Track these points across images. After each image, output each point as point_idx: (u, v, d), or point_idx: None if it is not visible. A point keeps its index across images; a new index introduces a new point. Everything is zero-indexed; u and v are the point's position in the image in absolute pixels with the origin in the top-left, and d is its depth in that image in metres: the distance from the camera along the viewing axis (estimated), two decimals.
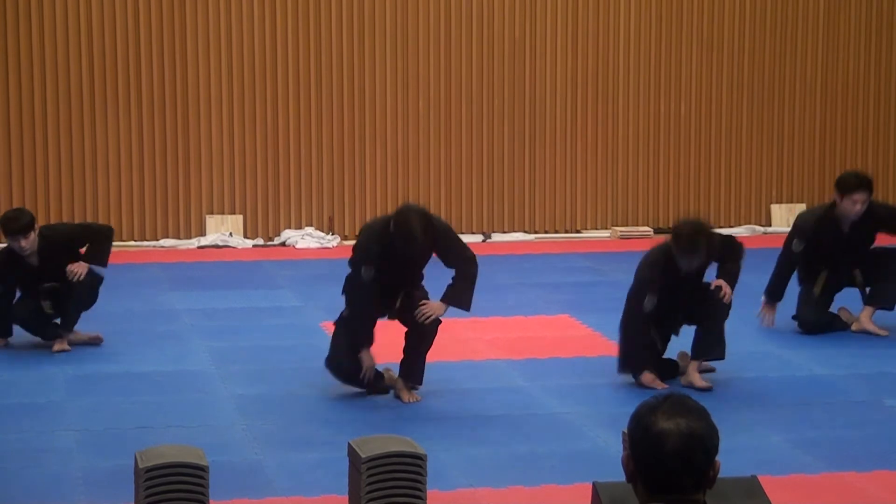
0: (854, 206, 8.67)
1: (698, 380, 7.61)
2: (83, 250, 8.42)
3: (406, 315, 7.42)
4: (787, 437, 6.81)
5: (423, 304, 7.31)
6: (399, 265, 7.28)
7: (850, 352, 8.47)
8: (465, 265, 7.34)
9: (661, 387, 7.47)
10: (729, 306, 7.64)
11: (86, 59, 11.88)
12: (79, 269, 8.27)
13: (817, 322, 8.82)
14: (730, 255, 7.71)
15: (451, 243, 7.36)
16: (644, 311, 7.48)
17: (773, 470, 6.06)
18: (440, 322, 7.41)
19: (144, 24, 12.02)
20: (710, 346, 7.64)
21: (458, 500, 5.91)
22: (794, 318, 8.93)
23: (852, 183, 8.73)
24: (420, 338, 7.43)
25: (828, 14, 12.98)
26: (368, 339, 7.35)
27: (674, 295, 7.54)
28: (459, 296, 7.32)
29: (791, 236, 8.89)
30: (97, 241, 8.46)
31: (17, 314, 8.41)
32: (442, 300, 7.34)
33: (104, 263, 8.46)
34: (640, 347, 7.59)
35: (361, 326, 7.34)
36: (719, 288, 7.56)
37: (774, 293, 8.84)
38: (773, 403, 7.40)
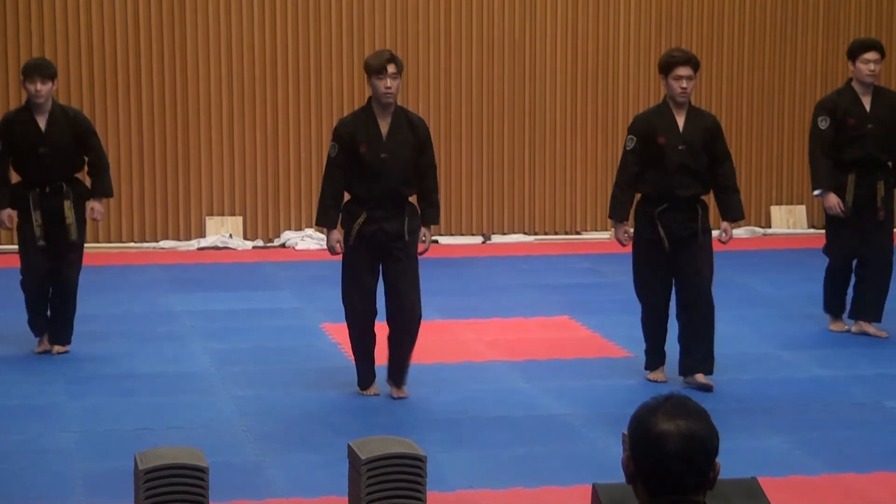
0: (867, 65, 8.67)
1: (701, 377, 7.63)
2: (88, 183, 8.37)
3: (391, 281, 7.45)
4: (786, 438, 6.81)
5: (422, 245, 7.50)
6: (389, 147, 7.35)
7: (849, 353, 8.47)
8: (434, 176, 7.54)
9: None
10: (712, 309, 7.65)
11: (85, 60, 11.88)
12: (99, 208, 8.27)
13: (849, 253, 8.74)
14: (728, 173, 7.72)
15: (430, 143, 7.54)
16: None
17: (772, 471, 6.07)
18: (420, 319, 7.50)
19: (144, 26, 12.02)
20: (702, 360, 7.66)
21: (458, 501, 5.91)
22: (824, 252, 8.88)
23: (862, 44, 8.82)
24: (403, 338, 7.46)
25: (828, 13, 12.98)
26: (333, 214, 7.44)
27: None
28: (435, 214, 7.56)
29: (815, 117, 8.83)
30: (100, 167, 8.36)
31: (21, 243, 8.30)
32: (424, 225, 7.50)
33: (112, 193, 8.50)
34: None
35: (324, 202, 7.47)
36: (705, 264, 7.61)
37: (822, 181, 8.68)
38: (773, 404, 7.40)
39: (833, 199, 8.62)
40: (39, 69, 8.16)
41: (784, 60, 12.98)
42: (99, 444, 6.70)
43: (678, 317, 7.72)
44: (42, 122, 8.17)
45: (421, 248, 7.50)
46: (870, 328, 8.82)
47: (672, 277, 7.68)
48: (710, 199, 7.74)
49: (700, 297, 7.62)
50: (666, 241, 7.53)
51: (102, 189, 8.37)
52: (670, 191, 7.55)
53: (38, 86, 8.08)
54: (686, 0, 12.74)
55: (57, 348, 8.37)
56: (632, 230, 7.71)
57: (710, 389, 7.53)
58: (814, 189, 8.78)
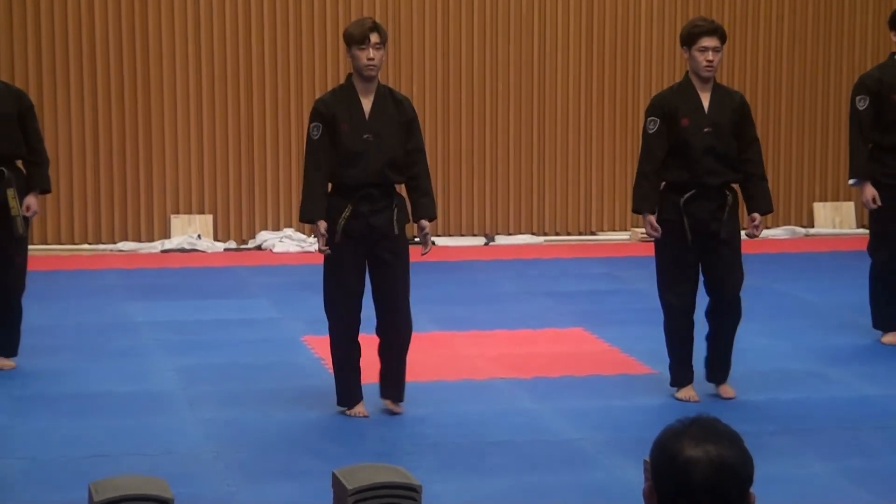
0: None
1: (724, 391, 7.80)
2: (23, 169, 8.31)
3: (379, 288, 7.49)
4: (831, 465, 6.82)
5: (424, 247, 7.51)
6: (372, 127, 7.38)
7: None
8: (423, 161, 7.57)
9: (694, 400, 7.69)
10: (739, 315, 7.77)
11: (32, 35, 11.89)
12: (33, 203, 8.18)
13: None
14: (755, 158, 7.77)
15: (417, 125, 7.59)
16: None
17: (816, 502, 6.06)
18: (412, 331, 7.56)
19: (101, 9, 12.05)
20: (719, 367, 7.86)
21: None
22: (869, 251, 8.95)
23: None
24: (399, 350, 7.52)
25: None
26: (319, 203, 7.38)
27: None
28: (431, 206, 7.53)
29: (853, 96, 8.87)
30: (39, 157, 8.30)
31: None
32: (423, 219, 7.48)
33: (50, 188, 8.44)
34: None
35: (309, 190, 7.42)
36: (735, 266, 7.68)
37: (858, 169, 8.75)
38: (816, 427, 7.41)
39: (869, 192, 8.67)
40: None
41: (829, 36, 13.02)
42: (48, 472, 6.69)
43: (708, 316, 7.86)
44: None
45: (422, 249, 7.48)
46: None
47: (697, 278, 7.72)
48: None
49: (731, 301, 7.73)
50: (689, 234, 7.56)
51: (41, 181, 8.29)
52: (697, 178, 7.58)
53: None
54: None
55: (1, 362, 8.36)
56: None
57: (733, 397, 7.78)
58: (849, 178, 8.80)
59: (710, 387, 7.93)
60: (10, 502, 6.34)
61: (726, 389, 7.87)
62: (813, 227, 13.13)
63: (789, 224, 12.96)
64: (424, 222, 7.49)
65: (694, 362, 7.88)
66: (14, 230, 8.16)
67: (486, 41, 12.58)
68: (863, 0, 13.02)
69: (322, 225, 7.34)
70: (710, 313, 7.84)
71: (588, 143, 12.81)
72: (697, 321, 7.87)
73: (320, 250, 7.38)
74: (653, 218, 7.63)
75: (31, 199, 8.22)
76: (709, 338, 7.88)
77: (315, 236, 7.49)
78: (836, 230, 13.10)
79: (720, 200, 7.64)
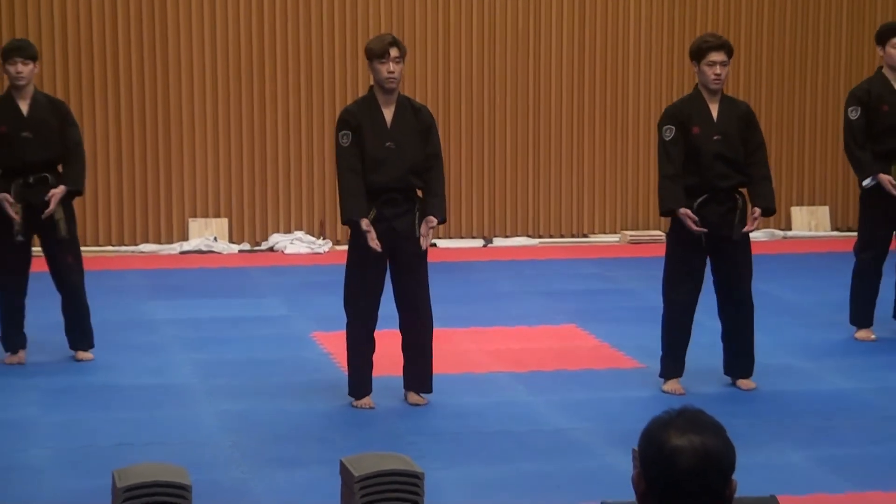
0: None
1: (744, 383, 7.89)
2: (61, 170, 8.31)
3: (401, 289, 7.50)
4: (808, 454, 6.82)
5: (423, 239, 7.42)
6: (394, 135, 7.38)
7: (876, 363, 8.49)
8: (439, 166, 7.55)
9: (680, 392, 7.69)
10: (752, 309, 7.81)
11: (60, 51, 11.89)
12: (58, 191, 8.12)
13: (885, 239, 8.81)
14: (761, 161, 7.78)
15: (435, 131, 7.58)
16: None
17: (793, 489, 6.07)
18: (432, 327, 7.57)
19: (123, 19, 12.04)
20: (741, 362, 7.92)
21: None
22: (855, 250, 8.94)
23: (892, 27, 8.86)
24: (424, 345, 7.54)
25: (851, 9, 13.00)
26: (362, 203, 7.34)
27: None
28: (441, 208, 7.50)
29: (846, 108, 8.87)
30: (77, 158, 8.31)
31: None
32: (431, 216, 7.44)
33: (82, 187, 8.38)
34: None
35: (351, 193, 7.36)
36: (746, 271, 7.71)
37: (867, 168, 8.71)
38: (794, 418, 7.41)
39: (887, 180, 8.64)
40: (20, 50, 8.22)
41: (805, 50, 13.01)
42: (74, 460, 6.70)
43: (721, 318, 7.88)
44: (24, 107, 8.21)
45: (423, 244, 7.48)
46: None
47: (702, 279, 7.74)
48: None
49: (743, 300, 7.78)
50: (703, 236, 7.59)
51: (73, 180, 8.26)
52: (709, 182, 7.61)
53: (20, 67, 8.15)
54: None
55: (80, 355, 8.43)
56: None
57: (753, 389, 7.83)
58: (862, 180, 8.76)
59: (695, 380, 7.92)
60: (40, 488, 6.36)
61: (748, 382, 7.86)
62: (791, 229, 13.12)
63: (768, 227, 12.96)
64: (433, 218, 7.45)
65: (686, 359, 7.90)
66: (57, 232, 8.20)
67: (483, 56, 12.58)
68: (837, 19, 13.01)
69: (365, 223, 7.32)
70: (722, 313, 7.86)
71: (580, 152, 12.80)
72: (699, 322, 7.89)
73: (371, 245, 7.27)
74: (687, 210, 7.59)
75: (55, 190, 8.18)
76: (724, 337, 7.91)
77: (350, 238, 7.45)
78: (812, 233, 13.09)
79: (731, 203, 7.70)
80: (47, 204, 8.12)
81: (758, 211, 7.73)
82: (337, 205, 12.25)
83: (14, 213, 8.08)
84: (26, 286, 8.34)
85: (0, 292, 8.33)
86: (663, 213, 7.79)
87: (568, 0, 12.63)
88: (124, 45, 12.09)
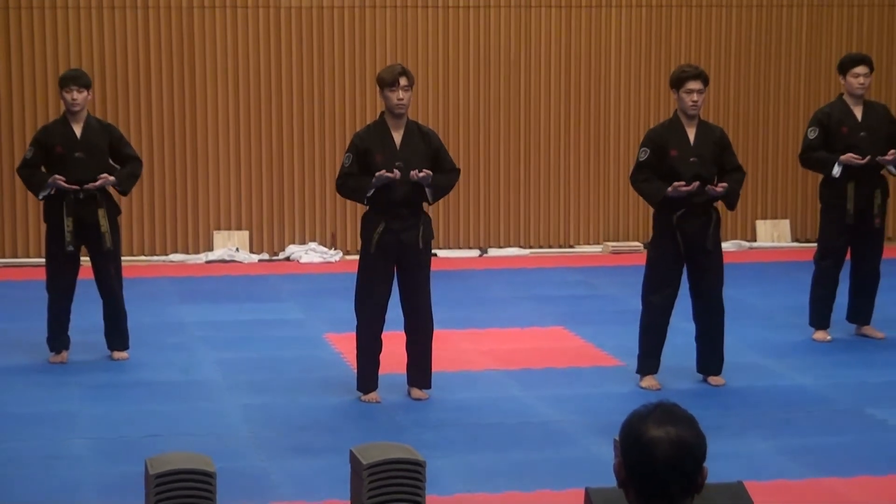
0: (857, 79, 8.74)
1: (714, 379, 7.92)
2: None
3: (406, 294, 7.50)
4: (772, 444, 6.82)
5: (414, 173, 7.34)
6: (403, 156, 7.36)
7: (832, 361, 8.48)
8: (453, 174, 7.59)
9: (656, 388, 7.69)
10: (723, 312, 7.83)
11: (98, 80, 11.89)
12: (108, 178, 8.14)
13: (842, 248, 8.80)
14: (735, 176, 7.78)
15: (445, 151, 7.60)
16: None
17: (758, 475, 6.07)
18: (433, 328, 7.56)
19: (155, 48, 12.05)
20: (713, 360, 7.92)
21: None
22: (815, 259, 8.93)
23: (853, 58, 8.87)
24: (423, 343, 7.54)
25: (810, 34, 13.01)
26: (368, 179, 7.32)
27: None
28: (436, 184, 7.45)
29: (807, 128, 8.88)
30: (132, 165, 8.34)
31: (48, 255, 8.31)
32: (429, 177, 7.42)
33: (127, 190, 8.39)
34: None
35: (356, 184, 7.38)
36: (719, 279, 7.73)
37: (829, 160, 8.65)
38: (759, 412, 7.41)
39: (849, 156, 8.61)
40: (76, 79, 8.25)
41: (768, 80, 13.01)
42: (111, 449, 6.70)
43: (695, 320, 7.87)
44: (78, 130, 8.25)
45: (419, 174, 7.37)
46: (871, 331, 8.92)
47: (678, 284, 7.74)
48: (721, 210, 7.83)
49: (715, 305, 7.79)
50: (682, 245, 7.60)
51: (122, 179, 8.26)
52: (686, 199, 7.61)
53: (75, 94, 8.18)
54: (674, 23, 12.77)
55: (117, 354, 8.44)
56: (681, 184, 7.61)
57: (722, 385, 7.85)
58: (832, 172, 8.69)
59: (670, 377, 7.92)
60: (80, 474, 6.36)
61: (717, 379, 7.88)
62: (756, 241, 13.11)
63: (736, 238, 12.96)
64: (428, 173, 7.36)
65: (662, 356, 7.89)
66: (103, 244, 8.22)
67: (479, 84, 12.58)
68: (797, 51, 13.00)
69: (381, 172, 7.25)
70: (696, 316, 7.85)
71: (567, 170, 12.80)
72: (675, 325, 7.89)
73: (394, 175, 7.25)
74: (674, 185, 7.52)
75: (103, 176, 8.15)
76: (698, 337, 7.91)
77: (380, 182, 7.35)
78: (775, 244, 13.08)
79: (706, 217, 7.69)
80: (96, 218, 8.16)
81: (722, 187, 7.64)
82: (347, 218, 12.33)
83: (60, 183, 8.08)
84: (73, 292, 8.36)
85: (50, 297, 8.35)
86: (659, 202, 7.65)
87: (555, 33, 12.63)
88: (156, 77, 12.09)
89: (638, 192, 7.82)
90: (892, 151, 8.66)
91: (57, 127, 8.33)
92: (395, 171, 7.28)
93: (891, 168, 8.76)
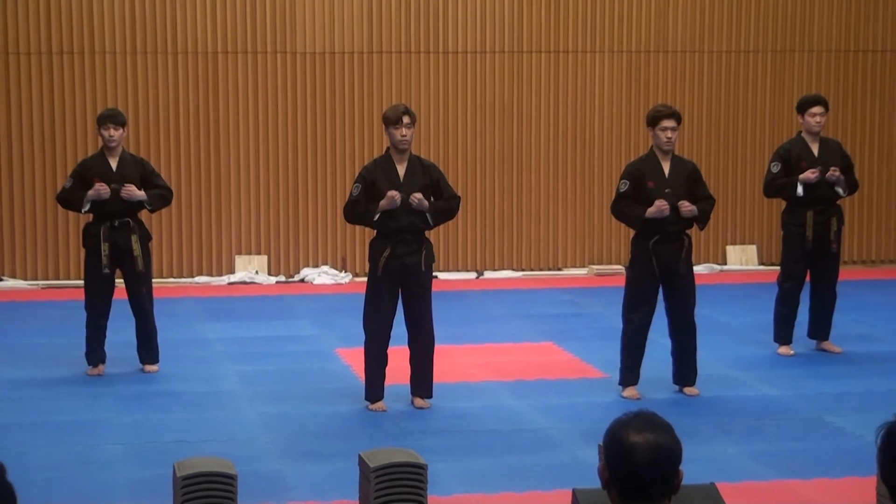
0: (813, 118, 8.75)
1: (689, 389, 7.89)
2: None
3: (410, 312, 7.48)
4: (741, 449, 6.80)
5: (413, 196, 7.35)
6: (406, 188, 7.35)
7: (794, 374, 8.47)
8: (453, 201, 7.56)
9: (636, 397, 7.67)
10: (695, 329, 7.82)
11: (132, 118, 11.91)
12: (132, 190, 8.14)
13: (803, 271, 8.80)
14: (706, 204, 7.77)
15: (445, 181, 7.57)
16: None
17: (728, 477, 6.05)
18: (434, 344, 7.55)
19: (183, 89, 12.08)
20: (687, 372, 7.90)
21: None
22: (778, 281, 8.92)
23: (809, 100, 8.89)
24: (425, 356, 7.52)
25: (773, 83, 13.04)
26: (373, 206, 7.33)
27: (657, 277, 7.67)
28: (436, 210, 7.45)
29: (769, 163, 8.88)
30: (162, 190, 8.35)
31: (87, 277, 8.31)
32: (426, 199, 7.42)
33: (153, 207, 8.35)
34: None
35: (363, 210, 7.37)
36: (691, 298, 7.72)
37: (791, 185, 8.68)
38: (729, 419, 7.40)
39: (808, 174, 8.64)
40: (112, 118, 8.27)
41: (737, 118, 13.04)
42: (141, 454, 6.68)
43: (671, 336, 7.86)
44: (114, 163, 8.27)
45: (416, 199, 7.35)
46: (830, 346, 8.92)
47: (655, 303, 7.74)
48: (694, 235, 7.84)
49: (688, 323, 7.78)
50: (657, 269, 7.59)
51: (152, 198, 8.26)
52: (661, 226, 7.62)
53: (112, 131, 8.19)
54: (651, 68, 12.80)
55: (148, 367, 8.43)
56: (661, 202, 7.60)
57: (696, 395, 7.83)
58: (796, 192, 8.71)
59: (649, 387, 7.90)
60: (113, 477, 6.34)
61: (692, 390, 7.87)
62: (726, 264, 13.12)
63: (708, 262, 12.96)
64: (426, 202, 7.36)
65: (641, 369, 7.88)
66: (136, 267, 8.23)
67: (476, 123, 12.60)
68: (762, 91, 13.02)
69: (389, 194, 7.27)
70: (672, 332, 7.84)
71: (555, 200, 12.81)
72: (653, 340, 7.88)
73: (397, 199, 7.29)
74: (651, 207, 7.53)
75: (133, 190, 8.15)
76: (674, 352, 7.89)
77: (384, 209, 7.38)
78: (744, 267, 13.08)
79: (679, 243, 7.69)
80: (130, 244, 8.18)
81: (692, 207, 7.63)
82: (356, 244, 12.33)
83: (101, 191, 8.10)
84: (109, 310, 8.36)
85: (88, 315, 8.35)
86: (641, 226, 7.62)
87: (545, 76, 12.65)
88: (184, 115, 12.12)
89: (619, 217, 7.81)
90: (833, 168, 8.68)
91: (95, 161, 8.35)
92: (397, 194, 7.28)
93: (839, 189, 8.78)
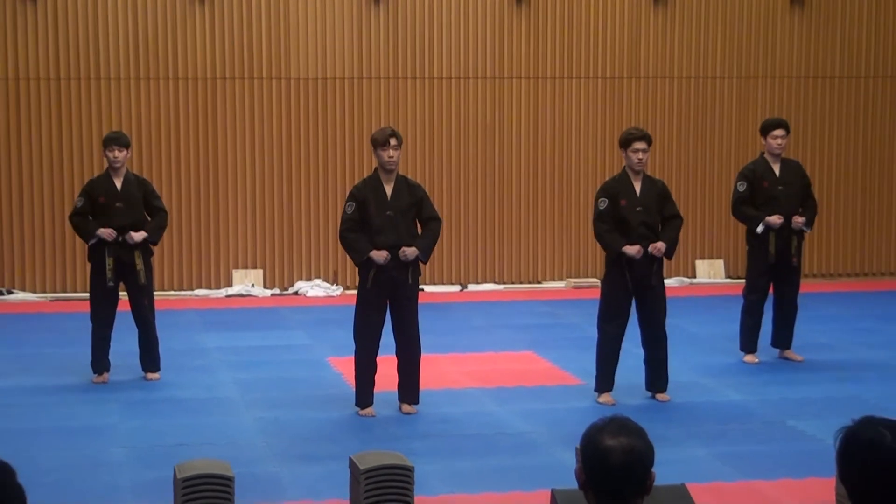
0: (775, 140, 8.79)
1: (661, 396, 7.89)
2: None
3: (397, 323, 7.48)
4: (709, 451, 6.81)
5: (402, 252, 7.37)
6: (393, 206, 7.36)
7: (760, 380, 8.49)
8: (433, 223, 7.53)
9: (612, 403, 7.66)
10: (666, 339, 7.82)
11: (135, 140, 11.90)
12: (138, 236, 8.16)
13: (766, 284, 8.83)
14: (673, 223, 7.78)
15: (428, 201, 7.56)
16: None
17: (698, 478, 6.07)
18: (420, 352, 7.54)
19: (183, 112, 12.08)
20: (659, 379, 7.90)
21: None
22: (744, 293, 8.95)
23: (771, 123, 8.93)
24: (412, 364, 7.51)
25: (738, 107, 13.11)
26: (366, 244, 7.34)
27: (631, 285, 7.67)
28: (425, 248, 7.46)
29: (735, 182, 8.93)
30: (159, 217, 8.33)
31: (92, 290, 8.30)
32: (413, 247, 7.40)
33: (157, 241, 8.36)
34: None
35: (355, 241, 7.36)
36: (662, 307, 7.72)
37: (756, 218, 8.74)
38: (698, 424, 7.41)
39: (774, 218, 8.69)
40: (117, 140, 8.28)
41: (704, 140, 13.10)
42: (144, 457, 6.66)
43: (643, 345, 7.87)
44: (118, 183, 8.27)
45: (408, 252, 7.39)
46: (791, 354, 8.95)
47: (628, 314, 7.75)
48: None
49: (659, 333, 7.80)
50: (630, 282, 7.61)
51: (152, 232, 8.30)
52: (633, 241, 7.62)
53: (116, 153, 8.20)
54: (625, 93, 12.85)
55: (150, 375, 8.40)
56: (629, 248, 7.63)
57: (668, 401, 7.82)
58: (755, 228, 8.79)
59: (623, 394, 7.91)
60: (118, 478, 6.32)
61: (663, 396, 7.88)
62: (695, 277, 13.15)
63: (678, 275, 13.00)
64: (414, 249, 7.38)
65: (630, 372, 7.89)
66: (138, 280, 8.22)
67: (460, 144, 12.63)
68: (728, 115, 13.08)
69: (373, 252, 7.30)
70: (644, 342, 7.85)
71: (535, 217, 12.84)
72: (626, 349, 7.88)
73: (382, 260, 7.31)
74: (627, 247, 7.58)
75: (135, 234, 8.18)
76: (646, 360, 7.90)
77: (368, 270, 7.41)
78: (712, 280, 13.12)
79: (651, 258, 7.70)
80: (133, 258, 8.18)
81: (662, 244, 7.71)
82: (347, 259, 12.31)
83: (108, 235, 8.13)
84: (113, 321, 8.34)
85: (93, 326, 8.33)
86: (614, 255, 7.66)
87: (525, 100, 12.69)
88: (185, 137, 12.12)
89: (598, 239, 7.81)
90: (797, 219, 8.73)
91: (101, 180, 8.35)
92: (386, 254, 7.30)
93: (804, 229, 8.84)
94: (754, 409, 7.77)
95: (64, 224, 11.37)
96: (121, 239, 8.19)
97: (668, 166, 12.88)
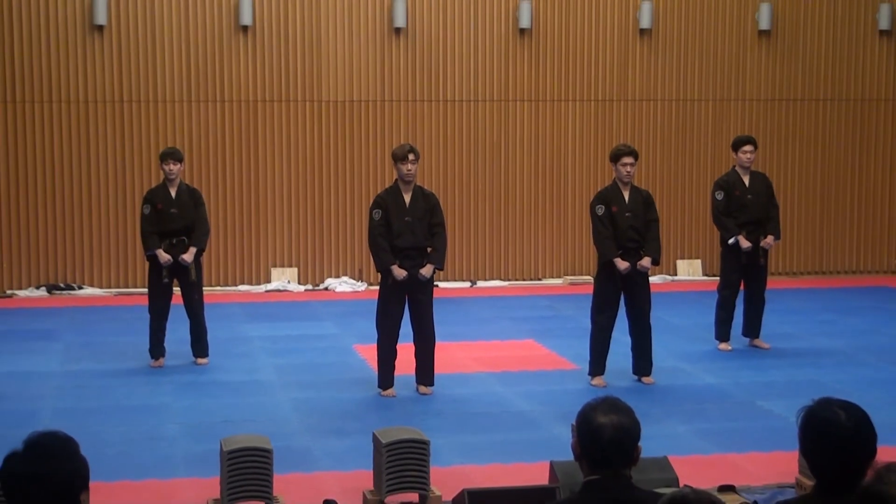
0: (745, 154, 8.78)
1: (646, 379, 7.85)
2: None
3: (415, 315, 7.45)
4: (688, 427, 6.80)
5: (420, 272, 7.36)
6: (410, 213, 7.33)
7: (732, 365, 8.47)
8: (441, 232, 7.50)
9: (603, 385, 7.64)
10: (650, 329, 7.78)
11: (188, 154, 11.91)
12: (188, 257, 8.17)
13: (737, 281, 8.78)
14: (653, 229, 7.76)
15: (439, 208, 7.55)
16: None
17: (678, 451, 6.06)
18: (434, 341, 7.51)
19: (229, 130, 12.10)
20: (644, 364, 7.86)
21: (452, 474, 5.89)
22: (718, 289, 8.90)
23: (741, 140, 8.90)
24: (427, 351, 7.49)
25: (714, 126, 13.07)
26: (389, 256, 7.30)
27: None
28: (439, 259, 7.46)
29: (713, 192, 8.90)
30: (202, 228, 8.32)
31: (150, 286, 8.30)
32: (430, 264, 7.40)
33: (204, 248, 8.35)
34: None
35: (382, 250, 7.33)
36: (646, 300, 7.70)
37: (731, 231, 8.69)
38: (679, 403, 7.40)
39: (744, 243, 8.70)
40: (172, 154, 8.31)
41: (684, 155, 13.06)
42: (195, 432, 6.68)
43: (631, 335, 7.84)
44: (173, 192, 8.30)
45: (424, 271, 7.39)
46: (760, 343, 8.92)
47: (618, 307, 7.73)
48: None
49: (644, 322, 7.77)
50: (619, 278, 7.61)
51: (197, 242, 8.32)
52: (623, 243, 7.62)
53: (171, 166, 8.21)
54: (614, 113, 12.82)
55: (199, 360, 8.41)
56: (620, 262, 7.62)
57: (652, 383, 7.77)
58: (727, 239, 8.77)
59: (613, 377, 7.89)
60: (172, 450, 6.34)
61: (648, 379, 7.86)
62: (676, 275, 13.12)
63: (661, 273, 12.96)
64: (430, 266, 7.43)
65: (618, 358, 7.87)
66: (189, 277, 8.24)
67: (470, 158, 12.61)
68: (704, 130, 13.03)
69: (395, 267, 7.31)
70: (631, 331, 7.83)
71: (536, 222, 12.82)
72: (616, 338, 7.87)
73: (400, 278, 7.30)
74: (618, 259, 7.58)
75: (186, 255, 8.24)
76: (633, 348, 7.87)
77: (388, 278, 7.40)
78: (691, 277, 13.08)
79: (638, 257, 7.69)
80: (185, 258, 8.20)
81: (648, 259, 7.72)
82: (370, 259, 12.30)
83: (165, 260, 8.14)
84: (168, 313, 8.36)
85: (151, 317, 8.35)
86: (606, 261, 7.66)
87: (527, 120, 12.67)
88: (230, 152, 12.12)
89: (596, 242, 7.78)
90: (766, 240, 8.69)
91: (158, 190, 8.37)
92: (404, 273, 7.29)
93: (771, 245, 8.84)
94: (728, 390, 7.75)
95: (126, 228, 11.39)
96: (175, 241, 8.20)
97: (652, 177, 12.85)
